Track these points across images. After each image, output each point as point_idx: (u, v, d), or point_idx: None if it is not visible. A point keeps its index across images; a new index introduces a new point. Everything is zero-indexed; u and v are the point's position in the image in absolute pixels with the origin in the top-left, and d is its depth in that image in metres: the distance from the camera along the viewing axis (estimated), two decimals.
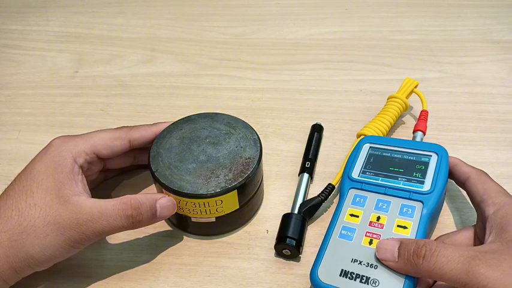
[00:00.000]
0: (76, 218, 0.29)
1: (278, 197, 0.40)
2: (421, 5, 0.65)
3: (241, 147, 0.36)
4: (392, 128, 0.45)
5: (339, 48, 0.58)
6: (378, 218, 0.32)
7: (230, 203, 0.34)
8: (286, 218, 0.35)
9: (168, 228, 0.38)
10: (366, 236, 0.31)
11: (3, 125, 0.49)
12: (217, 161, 0.35)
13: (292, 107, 0.49)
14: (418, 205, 0.32)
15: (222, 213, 0.35)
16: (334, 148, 0.44)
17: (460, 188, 0.36)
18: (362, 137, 0.40)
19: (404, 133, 0.45)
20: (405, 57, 0.55)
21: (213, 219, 0.35)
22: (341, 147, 0.44)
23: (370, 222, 0.32)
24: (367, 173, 0.36)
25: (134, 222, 0.31)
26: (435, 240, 0.33)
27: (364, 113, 0.47)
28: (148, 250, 0.36)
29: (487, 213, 0.30)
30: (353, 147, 0.39)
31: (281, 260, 0.35)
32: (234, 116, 0.39)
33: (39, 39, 0.63)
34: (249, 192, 0.36)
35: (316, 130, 0.44)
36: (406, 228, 0.31)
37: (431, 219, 0.32)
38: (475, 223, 0.33)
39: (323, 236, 0.32)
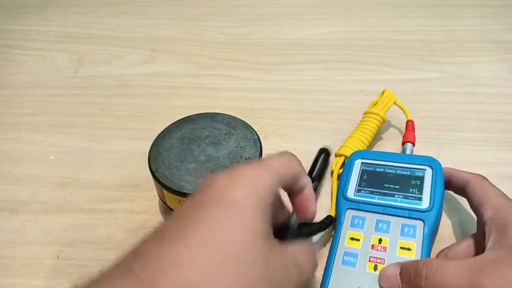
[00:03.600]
0: (288, 269, 0.22)
1: None
2: (421, 5, 0.65)
3: (241, 147, 0.36)
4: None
5: (339, 48, 0.58)
6: (380, 241, 0.31)
7: None
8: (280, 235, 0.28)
9: None
10: (369, 261, 0.30)
11: (3, 125, 0.49)
12: (217, 161, 0.35)
13: (292, 107, 0.49)
14: (419, 224, 0.32)
15: None
16: (334, 148, 0.44)
17: (457, 196, 0.36)
18: (342, 158, 0.39)
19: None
20: (405, 57, 0.55)
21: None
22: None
23: (372, 245, 0.31)
24: (362, 191, 0.35)
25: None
26: (438, 254, 0.32)
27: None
28: None
29: (485, 217, 0.29)
30: (337, 166, 0.39)
31: None
32: (234, 116, 0.39)
33: (39, 39, 0.63)
34: None
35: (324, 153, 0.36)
36: (410, 250, 0.30)
37: (433, 237, 0.32)
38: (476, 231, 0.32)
39: (325, 263, 0.31)
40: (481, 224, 0.30)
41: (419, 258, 0.30)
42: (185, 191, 0.33)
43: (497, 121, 0.46)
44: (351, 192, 0.35)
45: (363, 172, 0.36)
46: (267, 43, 0.60)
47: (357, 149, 0.40)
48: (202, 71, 0.55)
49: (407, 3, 0.66)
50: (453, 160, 0.41)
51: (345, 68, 0.54)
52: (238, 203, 0.20)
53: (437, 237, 0.34)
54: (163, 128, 0.38)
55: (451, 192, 0.36)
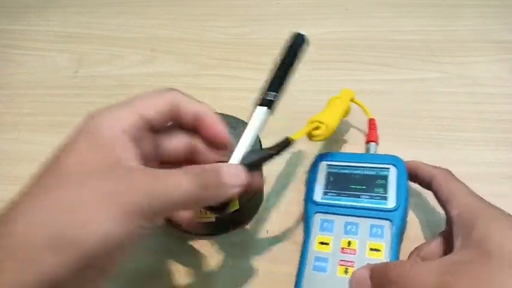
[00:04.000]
0: (134, 180, 0.22)
1: (278, 197, 0.40)
2: (421, 5, 0.65)
3: None
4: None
5: (339, 48, 0.58)
6: (349, 243, 0.31)
7: (230, 203, 0.34)
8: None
9: (168, 228, 0.38)
10: (340, 265, 0.30)
11: (3, 125, 0.49)
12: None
13: (292, 107, 0.49)
14: (386, 224, 0.32)
15: None
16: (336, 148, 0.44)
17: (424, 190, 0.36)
18: (316, 123, 0.36)
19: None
20: (405, 57, 0.55)
21: (213, 219, 0.35)
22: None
23: (342, 248, 0.31)
24: (330, 194, 0.35)
25: (203, 188, 0.24)
26: (410, 254, 0.32)
27: (364, 112, 0.47)
28: (148, 250, 0.36)
29: (452, 215, 0.29)
30: (311, 126, 0.36)
31: (281, 260, 0.35)
32: (234, 116, 0.39)
33: (39, 39, 0.63)
34: (249, 192, 0.36)
35: (297, 43, 0.33)
36: (379, 250, 0.31)
37: (401, 236, 0.32)
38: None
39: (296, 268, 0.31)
40: (449, 222, 0.30)
41: (388, 258, 0.30)
42: None
43: (497, 121, 0.46)
44: (318, 196, 0.35)
45: (328, 174, 0.36)
46: (267, 43, 0.59)
47: (330, 118, 0.37)
48: (202, 71, 0.55)
49: (407, 3, 0.66)
50: (453, 160, 0.41)
51: (345, 68, 0.54)
52: (100, 136, 0.23)
53: (405, 236, 0.34)
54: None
55: (418, 188, 0.36)
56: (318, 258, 0.31)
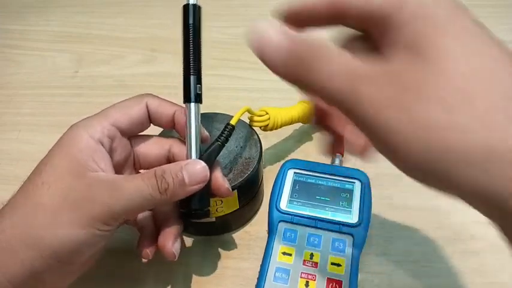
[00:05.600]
0: (93, 189, 0.25)
1: None
2: None
3: (241, 147, 0.36)
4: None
5: None
6: (311, 256, 0.31)
7: (230, 203, 0.34)
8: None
9: None
10: (301, 277, 0.30)
11: (3, 125, 0.49)
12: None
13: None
14: (348, 239, 0.32)
15: (222, 213, 0.35)
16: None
17: None
18: (267, 115, 0.38)
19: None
20: None
21: (213, 219, 0.35)
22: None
23: (304, 260, 0.31)
24: (295, 203, 0.34)
25: (162, 192, 0.26)
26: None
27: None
28: None
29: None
30: (260, 119, 0.38)
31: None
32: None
33: (39, 39, 0.63)
34: (249, 192, 0.36)
35: (195, 17, 0.32)
36: (340, 265, 0.31)
37: (361, 251, 0.32)
38: None
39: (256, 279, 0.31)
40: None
41: (348, 274, 0.30)
42: None
43: None
44: (283, 204, 0.34)
45: (295, 183, 0.36)
46: None
47: (277, 112, 0.39)
48: (202, 71, 0.55)
49: None
50: None
51: None
52: (72, 146, 0.27)
53: (364, 250, 0.34)
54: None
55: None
56: (279, 269, 0.31)
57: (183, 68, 0.29)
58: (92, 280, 0.34)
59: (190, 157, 0.29)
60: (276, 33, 0.21)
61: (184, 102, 0.30)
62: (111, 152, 0.29)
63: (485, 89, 0.17)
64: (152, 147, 0.32)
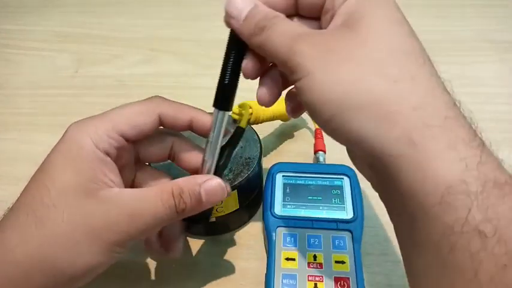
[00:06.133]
0: (111, 217, 0.24)
1: None
2: (421, 5, 0.65)
3: (241, 147, 0.36)
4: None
5: None
6: (315, 257, 0.31)
7: (230, 203, 0.34)
8: None
9: None
10: (308, 280, 0.30)
11: (3, 125, 0.49)
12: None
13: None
14: (347, 235, 0.32)
15: (222, 213, 0.34)
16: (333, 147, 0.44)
17: None
18: (251, 110, 0.37)
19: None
20: None
21: (213, 219, 0.35)
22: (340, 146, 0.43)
23: (308, 263, 0.31)
24: (288, 206, 0.34)
25: (179, 212, 0.25)
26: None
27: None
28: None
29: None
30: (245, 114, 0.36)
31: None
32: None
33: (39, 39, 0.63)
34: (249, 192, 0.36)
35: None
36: (345, 262, 0.31)
37: (361, 243, 0.32)
38: None
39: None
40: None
41: (354, 270, 0.30)
42: None
43: (497, 121, 0.46)
44: (278, 209, 0.34)
45: (285, 186, 0.36)
46: None
47: (259, 106, 0.36)
48: (202, 71, 0.55)
49: (407, 3, 0.66)
50: None
51: None
52: (76, 155, 0.25)
53: (364, 250, 0.34)
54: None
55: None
56: (286, 276, 0.30)
57: (222, 73, 0.27)
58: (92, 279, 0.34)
59: (210, 167, 0.28)
60: (243, 1, 0.24)
61: (215, 106, 0.27)
62: (116, 160, 0.27)
63: (394, 61, 0.21)
64: (154, 144, 0.30)
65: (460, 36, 0.58)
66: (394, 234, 0.36)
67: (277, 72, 0.27)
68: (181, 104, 0.29)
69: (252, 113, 0.37)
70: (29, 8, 0.70)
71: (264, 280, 0.31)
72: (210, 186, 0.26)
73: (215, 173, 0.28)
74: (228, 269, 0.35)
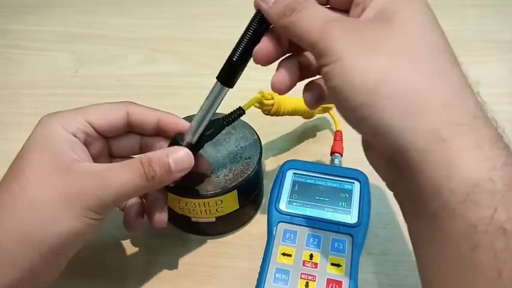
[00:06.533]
0: (82, 184, 0.25)
1: None
2: None
3: (241, 147, 0.36)
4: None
5: None
6: (311, 256, 0.31)
7: (230, 203, 0.34)
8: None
9: (168, 228, 0.38)
10: (301, 278, 0.30)
11: (4, 125, 0.49)
12: (217, 161, 0.35)
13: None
14: (347, 239, 0.32)
15: (222, 213, 0.35)
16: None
17: None
18: (272, 100, 0.38)
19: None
20: None
21: (213, 219, 0.35)
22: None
23: (304, 261, 0.31)
24: (294, 203, 0.34)
25: (149, 180, 0.27)
26: None
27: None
28: (148, 250, 0.36)
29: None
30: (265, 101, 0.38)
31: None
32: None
33: (39, 39, 0.63)
34: (249, 192, 0.36)
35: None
36: (340, 266, 0.31)
37: (361, 251, 0.32)
38: None
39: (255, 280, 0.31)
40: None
41: (348, 274, 0.30)
42: (185, 191, 0.33)
43: (498, 121, 0.46)
44: (283, 205, 0.34)
45: (294, 183, 0.36)
46: None
47: (281, 99, 0.39)
48: (203, 71, 0.55)
49: None
50: None
51: None
52: (51, 141, 0.27)
53: (364, 250, 0.34)
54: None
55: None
56: (279, 270, 0.31)
57: (233, 50, 0.28)
58: (91, 278, 0.34)
59: (194, 133, 0.30)
60: None
61: (217, 78, 0.29)
62: (88, 146, 0.29)
63: (428, 57, 0.21)
64: (125, 138, 0.32)
65: (460, 36, 0.58)
66: (394, 234, 0.36)
67: (295, 62, 0.27)
68: (149, 107, 0.32)
69: (263, 102, 0.38)
70: (30, 8, 0.70)
71: (258, 272, 0.31)
72: (178, 155, 0.28)
73: (198, 142, 0.30)
74: (228, 269, 0.35)
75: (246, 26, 0.27)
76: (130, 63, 0.58)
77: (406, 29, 0.21)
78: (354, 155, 0.42)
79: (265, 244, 0.36)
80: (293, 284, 0.30)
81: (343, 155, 0.41)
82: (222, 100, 0.29)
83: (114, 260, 0.36)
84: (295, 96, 0.41)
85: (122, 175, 0.26)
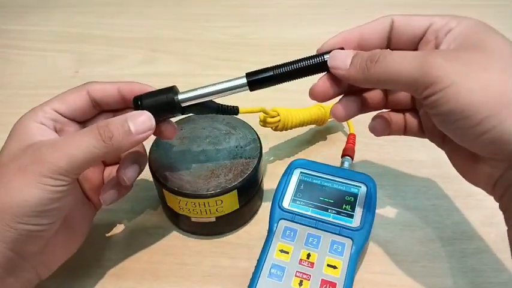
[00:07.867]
0: (38, 152, 0.26)
1: None
2: (421, 5, 0.65)
3: (241, 147, 0.36)
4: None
5: None
6: (308, 256, 0.31)
7: (230, 203, 0.34)
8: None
9: (168, 228, 0.38)
10: (295, 276, 0.30)
11: (4, 125, 0.49)
12: (217, 161, 0.35)
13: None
14: (347, 242, 0.32)
15: (222, 213, 0.35)
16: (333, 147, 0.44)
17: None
18: (278, 117, 0.40)
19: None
20: None
21: (213, 219, 0.35)
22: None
23: (300, 260, 0.31)
24: (298, 202, 0.34)
25: (106, 141, 0.27)
26: None
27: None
28: (148, 250, 0.36)
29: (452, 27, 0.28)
30: (272, 120, 0.39)
31: None
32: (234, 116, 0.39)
33: (39, 39, 0.63)
34: (249, 192, 0.36)
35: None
36: (336, 268, 0.31)
37: (360, 255, 0.32)
38: None
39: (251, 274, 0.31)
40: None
41: (343, 277, 0.30)
42: (185, 191, 0.33)
43: None
44: (286, 202, 0.34)
45: (300, 182, 0.36)
46: (267, 43, 0.60)
47: (288, 114, 0.40)
48: (203, 71, 0.55)
49: (407, 3, 0.66)
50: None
51: None
52: (21, 130, 0.29)
53: (366, 256, 0.34)
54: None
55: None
56: (275, 266, 0.31)
57: (281, 66, 0.30)
58: (91, 277, 0.34)
59: (191, 98, 0.32)
60: (344, 51, 0.28)
61: (247, 74, 0.30)
62: (58, 132, 0.30)
63: None
64: (99, 118, 0.33)
65: None
66: (395, 234, 0.36)
67: (357, 98, 0.30)
68: (108, 82, 0.32)
69: (267, 120, 0.39)
70: (30, 8, 0.70)
71: (254, 266, 0.31)
72: (137, 117, 0.28)
73: (186, 108, 0.31)
74: (228, 269, 0.35)
75: (305, 57, 0.29)
76: (130, 63, 0.58)
77: (498, 51, 0.24)
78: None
79: (262, 243, 0.36)
80: (287, 281, 0.30)
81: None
82: (233, 92, 0.30)
83: (114, 260, 0.35)
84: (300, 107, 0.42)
85: (76, 139, 0.27)
